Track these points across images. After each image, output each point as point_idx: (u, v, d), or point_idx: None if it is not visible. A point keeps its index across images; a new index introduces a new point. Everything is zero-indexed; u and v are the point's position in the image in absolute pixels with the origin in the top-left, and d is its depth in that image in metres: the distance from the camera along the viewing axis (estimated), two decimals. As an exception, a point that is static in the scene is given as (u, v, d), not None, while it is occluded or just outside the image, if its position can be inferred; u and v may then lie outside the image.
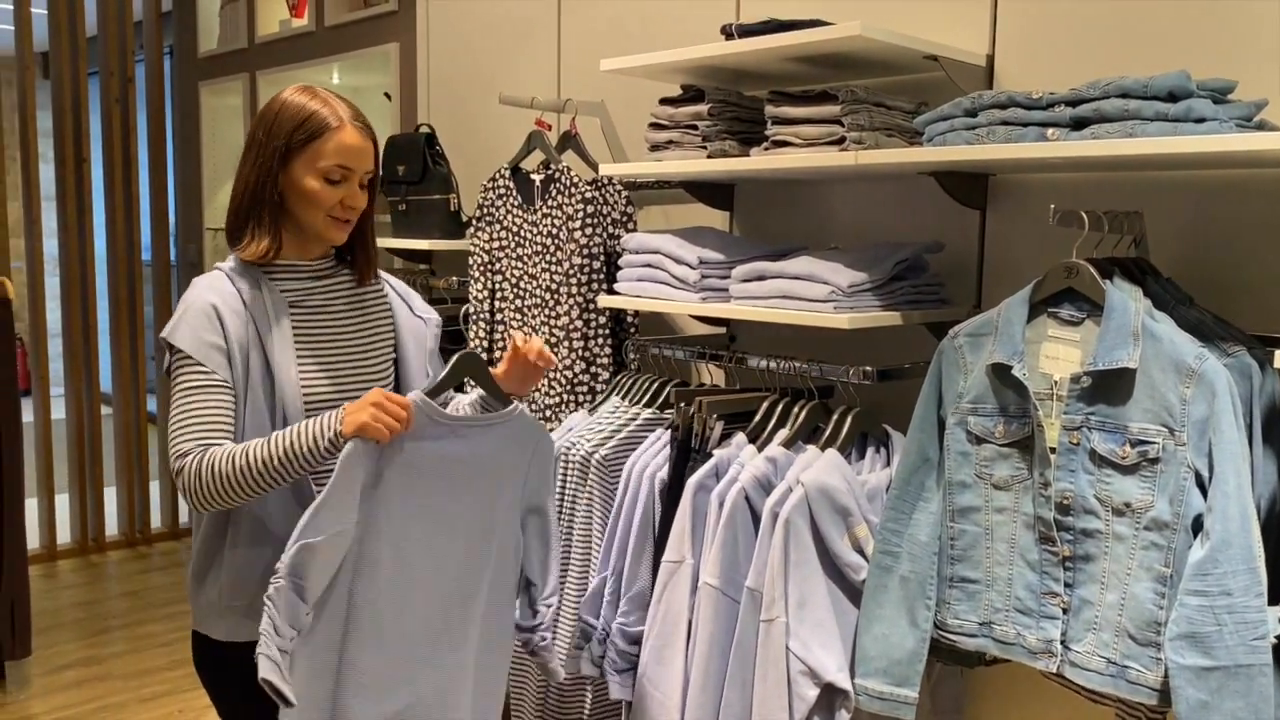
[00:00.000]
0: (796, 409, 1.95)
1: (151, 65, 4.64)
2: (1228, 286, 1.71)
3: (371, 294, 1.72)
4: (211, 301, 1.53)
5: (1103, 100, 1.53)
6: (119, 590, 4.23)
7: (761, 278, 1.99)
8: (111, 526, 4.77)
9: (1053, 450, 1.57)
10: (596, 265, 2.34)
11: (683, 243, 2.13)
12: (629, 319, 2.48)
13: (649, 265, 2.18)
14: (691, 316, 2.48)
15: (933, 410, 1.72)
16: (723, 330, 2.45)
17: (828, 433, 1.90)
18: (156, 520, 4.88)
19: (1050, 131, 1.59)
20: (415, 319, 1.76)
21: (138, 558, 4.65)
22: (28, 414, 4.69)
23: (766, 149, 1.95)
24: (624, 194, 2.43)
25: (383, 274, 1.77)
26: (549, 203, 2.41)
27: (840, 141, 1.84)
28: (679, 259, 2.11)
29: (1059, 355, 1.61)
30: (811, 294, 1.88)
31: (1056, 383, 1.60)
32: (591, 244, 2.34)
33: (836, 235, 2.24)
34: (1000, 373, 1.63)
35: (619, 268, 2.24)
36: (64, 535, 4.63)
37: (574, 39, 2.79)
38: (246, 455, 1.45)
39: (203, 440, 1.48)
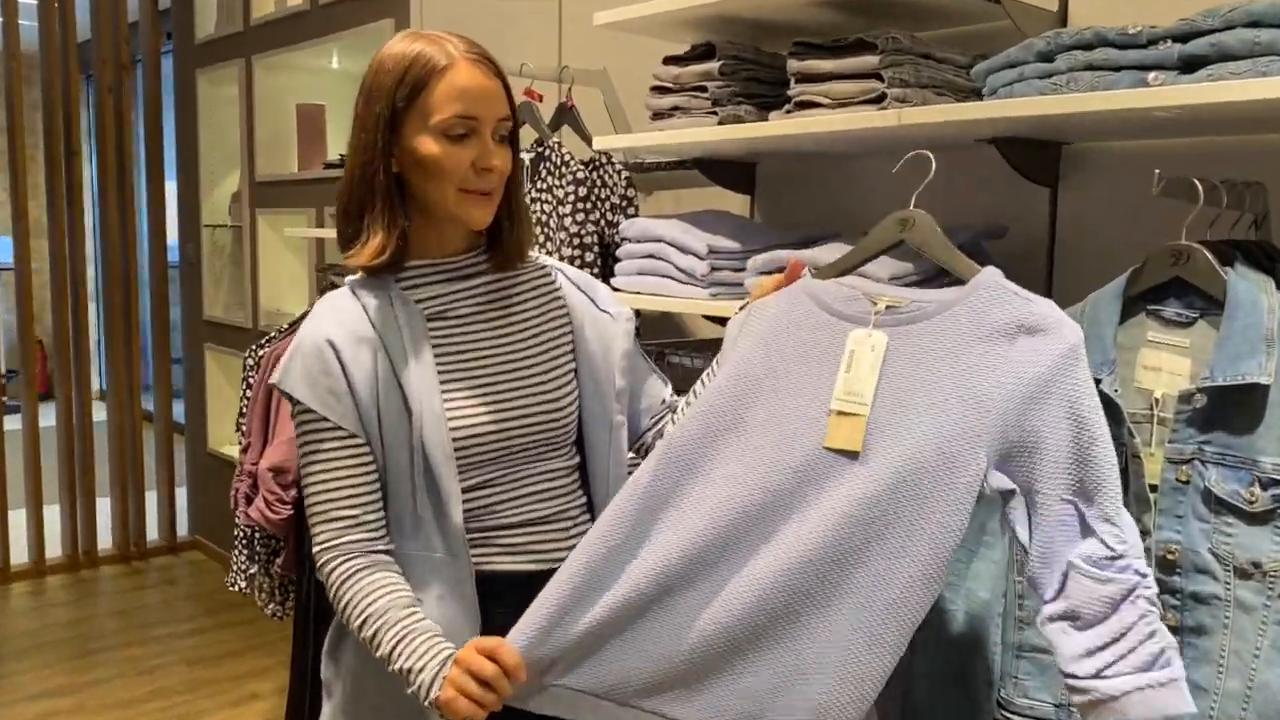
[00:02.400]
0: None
1: (148, 53, 4.39)
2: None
3: (537, 290, 1.36)
4: (327, 336, 1.23)
5: (1225, 32, 1.17)
6: (108, 609, 3.98)
7: (783, 268, 1.64)
8: (104, 540, 4.52)
9: (1153, 489, 1.21)
10: (590, 257, 2.00)
11: (690, 228, 1.79)
12: (631, 320, 2.15)
13: (651, 256, 1.84)
14: (705, 317, 2.13)
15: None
16: (742, 333, 2.11)
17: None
18: (153, 532, 4.62)
19: (1153, 76, 1.23)
20: (601, 315, 1.37)
21: (132, 573, 4.39)
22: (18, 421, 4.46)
23: (789, 112, 1.61)
24: (624, 174, 2.10)
25: (551, 261, 1.42)
26: (538, 185, 2.08)
27: (880, 100, 1.49)
28: (685, 248, 1.77)
29: (1162, 366, 1.24)
30: (842, 288, 1.53)
31: (1159, 401, 1.24)
32: (584, 232, 2.00)
33: (876, 221, 1.89)
34: (1084, 388, 1.26)
35: (617, 260, 1.91)
36: (53, 549, 4.38)
37: (578, 4, 2.46)
38: (364, 623, 1.21)
39: (342, 532, 1.24)
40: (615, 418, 1.36)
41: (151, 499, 4.65)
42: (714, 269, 1.74)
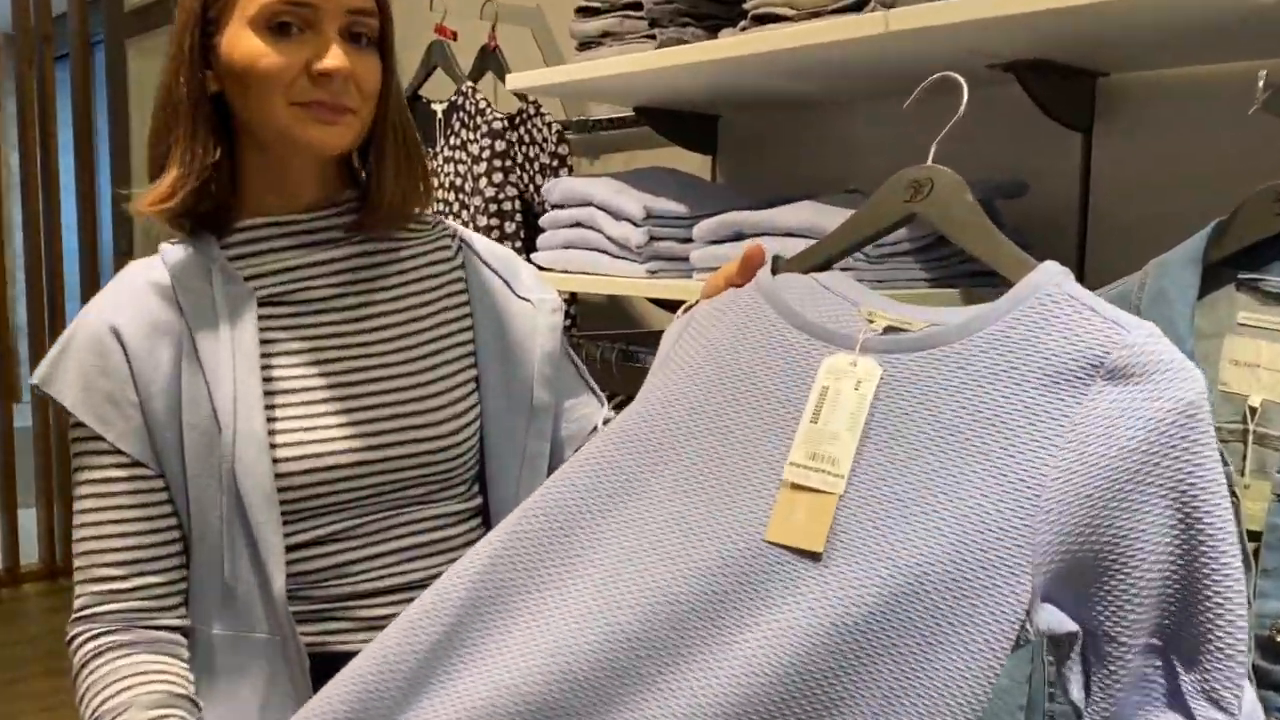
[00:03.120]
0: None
1: (74, 25, 4.02)
2: None
3: (428, 267, 1.02)
4: (111, 322, 0.91)
5: None
6: (26, 635, 3.61)
7: (739, 236, 1.27)
8: (29, 555, 4.15)
9: (1253, 536, 0.84)
10: (511, 228, 1.63)
11: (625, 188, 1.41)
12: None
13: (579, 224, 1.47)
14: (650, 301, 1.76)
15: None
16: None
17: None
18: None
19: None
20: (519, 304, 1.03)
21: (56, 591, 4.02)
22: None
23: (744, 29, 1.23)
24: (555, 128, 1.72)
25: (457, 229, 1.07)
26: (451, 142, 1.71)
27: (861, 4, 1.11)
28: (618, 212, 1.40)
29: (1261, 359, 0.87)
30: (812, 259, 1.16)
31: (1255, 411, 0.87)
32: (503, 196, 1.63)
33: (863, 180, 1.52)
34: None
35: (542, 230, 1.54)
36: (29, 555, 4.05)
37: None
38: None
39: (105, 598, 0.90)
40: (530, 445, 1.01)
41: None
42: (652, 238, 1.37)
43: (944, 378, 0.69)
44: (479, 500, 1.02)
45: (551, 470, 1.02)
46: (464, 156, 1.68)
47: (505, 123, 1.68)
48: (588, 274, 1.45)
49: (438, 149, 1.75)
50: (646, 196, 1.38)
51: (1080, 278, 1.30)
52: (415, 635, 0.72)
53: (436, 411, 0.96)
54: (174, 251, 0.95)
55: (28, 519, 4.20)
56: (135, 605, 0.90)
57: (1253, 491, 0.85)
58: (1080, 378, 0.66)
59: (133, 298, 0.93)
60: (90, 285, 4.17)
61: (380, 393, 0.95)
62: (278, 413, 0.92)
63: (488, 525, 1.01)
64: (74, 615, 0.91)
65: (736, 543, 0.70)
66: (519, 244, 1.65)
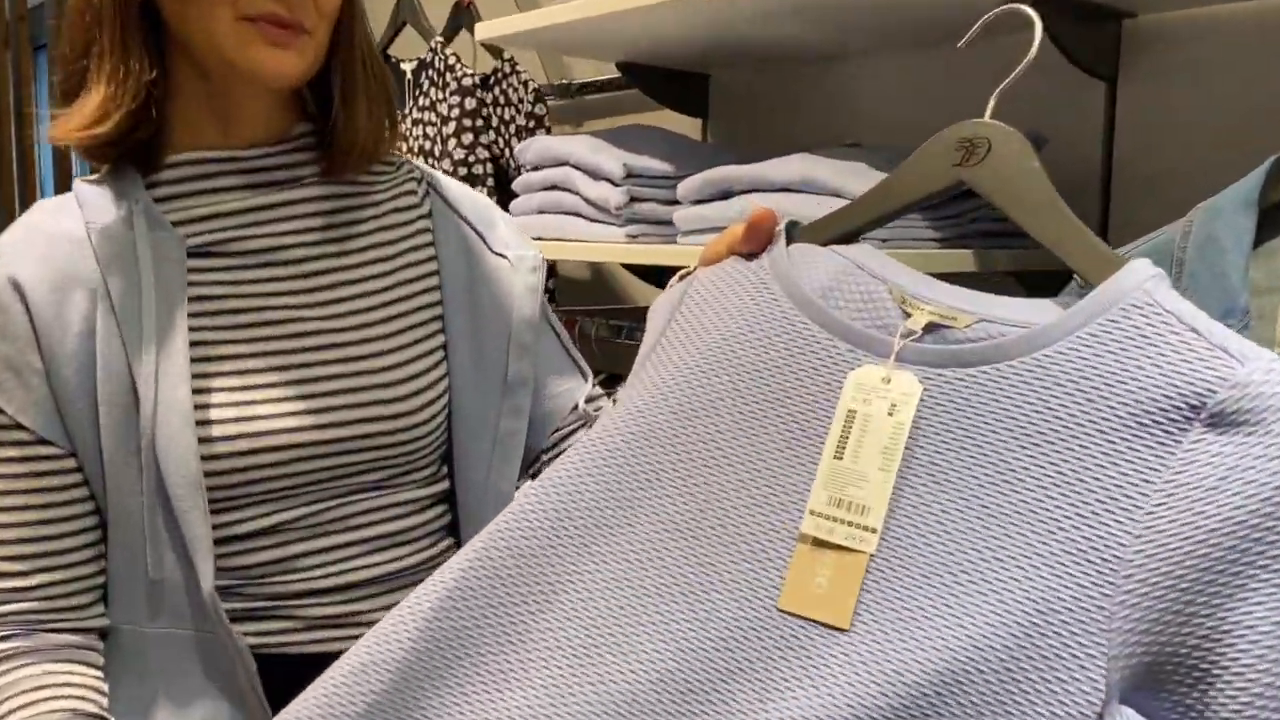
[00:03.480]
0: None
1: (53, 9, 3.92)
2: None
3: (391, 216, 0.88)
4: (11, 273, 0.77)
5: None
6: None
7: (727, 195, 1.15)
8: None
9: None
10: (481, 192, 1.51)
11: (605, 147, 1.29)
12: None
13: (554, 187, 1.36)
14: (628, 269, 1.64)
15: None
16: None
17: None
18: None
19: None
20: (493, 260, 0.90)
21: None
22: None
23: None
24: (532, 87, 1.59)
25: (425, 170, 0.94)
26: (420, 102, 1.59)
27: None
28: (596, 171, 1.28)
29: (1329, 317, 0.75)
30: (804, 213, 1.04)
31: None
32: (473, 159, 1.51)
33: (864, 134, 1.40)
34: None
35: (515, 195, 1.42)
36: None
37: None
38: None
39: (8, 597, 0.78)
40: (503, 424, 0.88)
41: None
42: (633, 199, 1.24)
43: (1002, 407, 0.55)
44: (445, 485, 0.90)
45: (528, 453, 0.91)
46: (433, 118, 1.56)
47: (476, 79, 1.55)
48: (563, 240, 1.33)
49: (406, 111, 1.63)
50: (627, 154, 1.26)
51: (1104, 235, 1.18)
52: (357, 684, 0.60)
53: (398, 386, 0.84)
54: (90, 191, 0.81)
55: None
56: (38, 606, 0.78)
57: (1319, 470, 0.73)
58: (1176, 420, 0.52)
59: (38, 245, 0.79)
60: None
61: (333, 361, 0.82)
62: (210, 383, 0.78)
63: (454, 513, 0.90)
64: None
65: (743, 608, 0.57)
66: (492, 211, 1.53)
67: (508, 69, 1.60)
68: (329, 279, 0.84)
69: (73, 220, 0.80)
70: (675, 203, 1.23)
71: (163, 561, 0.78)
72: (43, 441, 0.77)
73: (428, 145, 1.57)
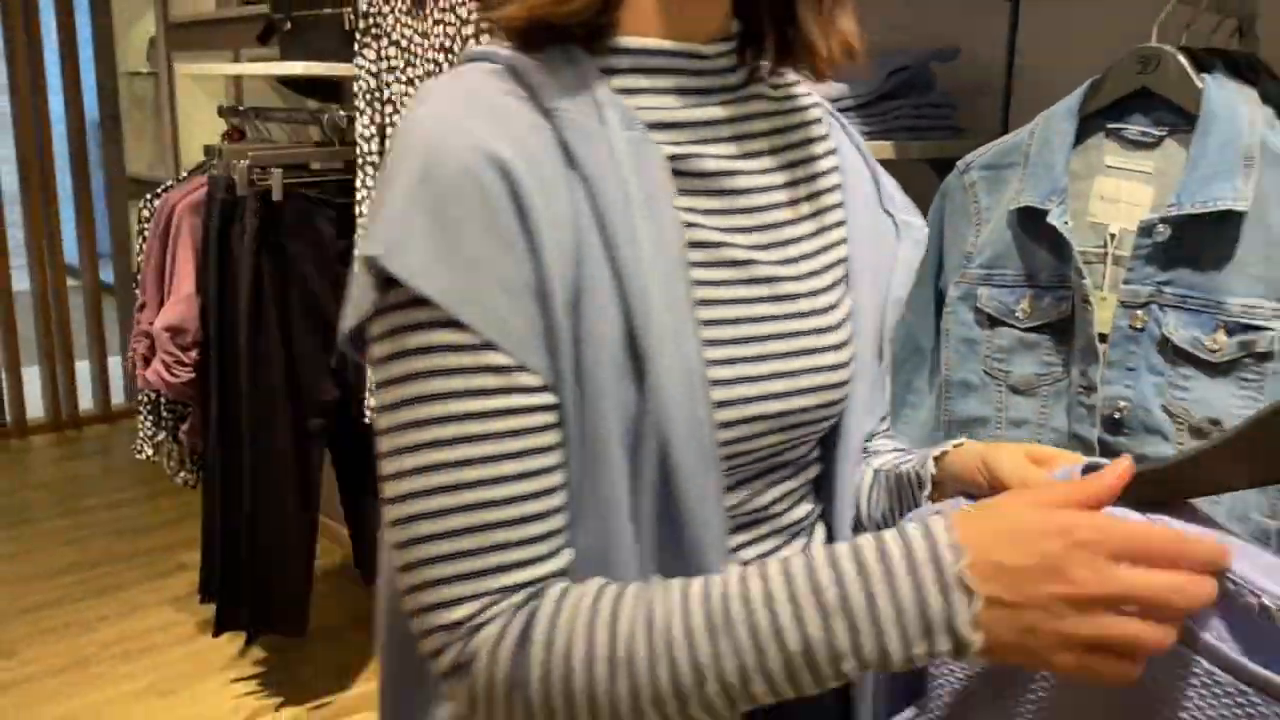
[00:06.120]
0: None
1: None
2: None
3: (815, 147, 0.72)
4: (492, 149, 0.57)
5: None
6: (36, 480, 3.83)
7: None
8: (35, 410, 4.35)
9: (1103, 338, 1.05)
10: (497, 87, 1.77)
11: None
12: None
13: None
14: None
15: (928, 279, 1.19)
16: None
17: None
18: (86, 401, 4.45)
19: None
20: (880, 218, 0.75)
21: (63, 442, 4.24)
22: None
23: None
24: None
25: (820, 101, 0.76)
26: (440, 4, 1.83)
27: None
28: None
29: (1121, 195, 1.06)
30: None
31: (1115, 237, 1.07)
32: (490, 58, 1.77)
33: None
34: (1030, 221, 1.09)
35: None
36: (35, 410, 4.24)
37: None
38: (652, 650, 0.54)
39: (506, 572, 0.57)
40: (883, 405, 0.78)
41: (84, 368, 4.46)
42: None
43: None
44: (820, 469, 0.75)
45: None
46: (452, 19, 1.81)
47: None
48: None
49: (427, 11, 1.88)
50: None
51: (1004, 132, 1.48)
52: None
53: (840, 350, 0.69)
54: (531, 66, 0.61)
55: (31, 376, 4.39)
56: (540, 574, 0.58)
57: (1107, 302, 1.05)
58: None
59: (509, 122, 0.58)
60: (79, 153, 4.24)
61: (791, 316, 0.66)
62: (710, 338, 0.62)
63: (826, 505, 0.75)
64: (442, 625, 0.56)
65: None
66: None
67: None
68: (773, 216, 0.68)
69: (522, 101, 0.60)
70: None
71: (661, 548, 0.61)
72: (545, 388, 0.58)
73: (448, 43, 1.83)
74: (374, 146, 2.03)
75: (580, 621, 0.55)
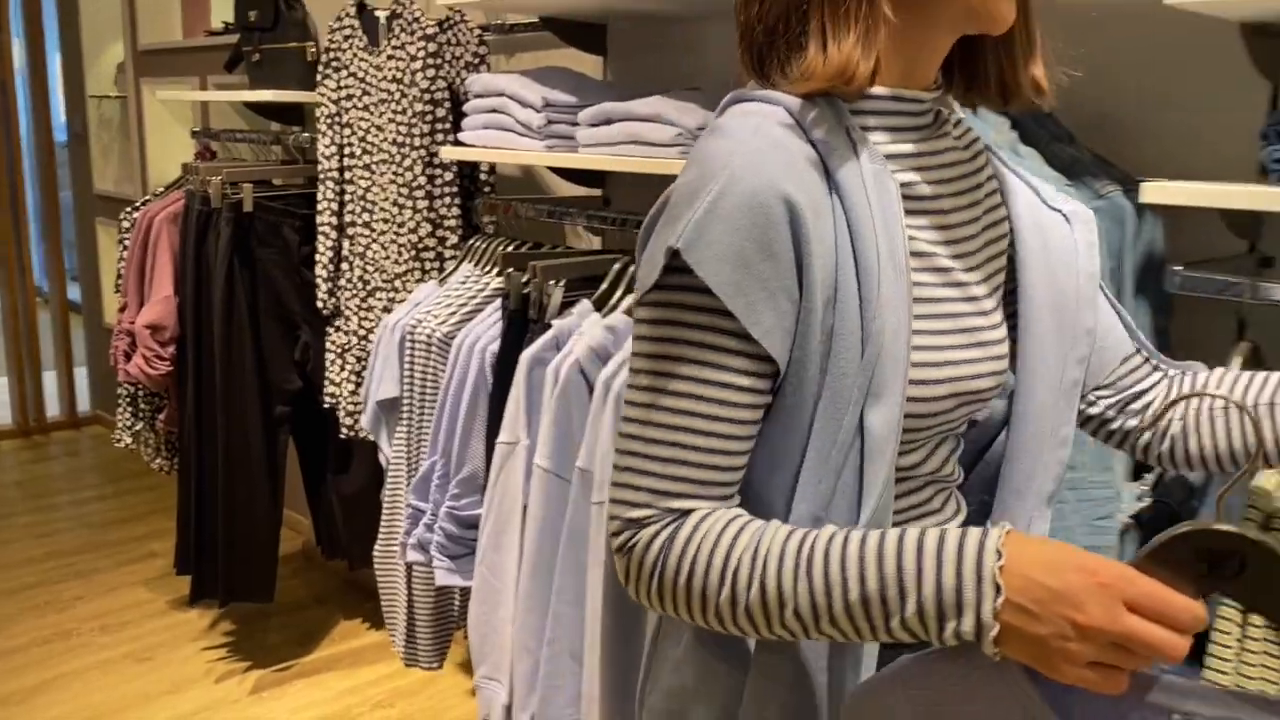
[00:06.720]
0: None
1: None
2: (1124, 124, 1.48)
3: (985, 166, 0.90)
4: (783, 190, 0.72)
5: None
6: (8, 480, 4.03)
7: (609, 121, 1.75)
8: (3, 417, 4.54)
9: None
10: (441, 113, 2.08)
11: (528, 83, 1.87)
12: (483, 176, 2.24)
13: (494, 110, 1.93)
14: (553, 171, 2.24)
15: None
16: (598, 192, 2.21)
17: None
18: (53, 409, 4.65)
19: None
20: (1051, 214, 0.91)
21: (32, 446, 4.43)
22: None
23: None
24: (476, 33, 2.16)
25: (968, 117, 0.94)
26: (393, 43, 2.13)
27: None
28: (524, 101, 1.86)
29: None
30: (657, 137, 1.65)
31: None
32: (434, 89, 2.08)
33: (706, 81, 1.99)
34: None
35: (465, 115, 1.99)
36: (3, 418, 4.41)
37: None
38: (778, 577, 0.70)
39: (680, 485, 0.75)
40: (1068, 373, 0.89)
41: (50, 378, 4.66)
42: (550, 121, 1.83)
43: None
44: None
45: (1103, 427, 0.97)
46: (403, 56, 2.11)
47: (436, 28, 2.11)
48: (502, 149, 1.92)
49: (381, 48, 2.18)
50: (546, 89, 1.84)
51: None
52: None
53: (1003, 344, 0.86)
54: (805, 109, 0.76)
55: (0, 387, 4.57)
56: (710, 501, 0.76)
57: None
58: None
59: (786, 161, 0.73)
60: (47, 172, 4.46)
61: (973, 314, 0.83)
62: (920, 329, 0.78)
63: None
64: (629, 516, 0.75)
65: None
66: (449, 125, 2.10)
67: (458, 18, 2.15)
68: (962, 231, 0.84)
69: (798, 142, 0.75)
70: (577, 124, 1.82)
71: (843, 503, 0.76)
72: (761, 356, 0.74)
73: (399, 76, 2.13)
74: (333, 164, 2.32)
75: (709, 539, 0.73)
